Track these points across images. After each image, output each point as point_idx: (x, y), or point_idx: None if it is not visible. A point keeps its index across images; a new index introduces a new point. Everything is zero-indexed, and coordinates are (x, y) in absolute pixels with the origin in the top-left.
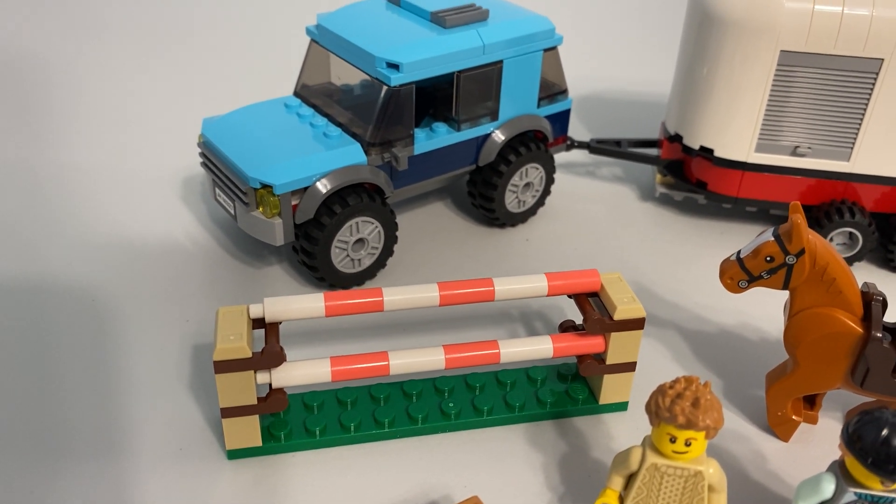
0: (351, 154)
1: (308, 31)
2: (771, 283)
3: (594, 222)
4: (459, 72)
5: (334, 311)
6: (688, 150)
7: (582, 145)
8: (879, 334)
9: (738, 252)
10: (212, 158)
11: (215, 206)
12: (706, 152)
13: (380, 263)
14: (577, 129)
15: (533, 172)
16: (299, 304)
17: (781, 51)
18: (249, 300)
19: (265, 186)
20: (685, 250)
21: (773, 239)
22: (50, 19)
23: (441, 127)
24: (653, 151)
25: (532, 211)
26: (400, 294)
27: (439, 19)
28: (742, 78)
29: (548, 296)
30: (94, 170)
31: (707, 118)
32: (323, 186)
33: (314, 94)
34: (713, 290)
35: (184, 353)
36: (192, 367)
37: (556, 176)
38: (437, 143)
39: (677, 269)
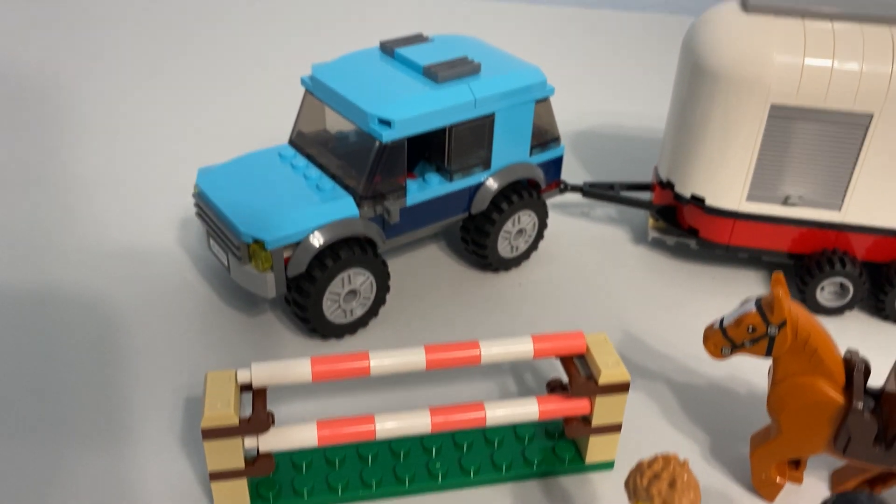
0: (343, 208)
1: (303, 82)
2: (754, 352)
3: (586, 266)
4: (452, 125)
5: (321, 376)
6: (679, 197)
7: (575, 189)
8: (861, 405)
9: (721, 320)
10: (206, 210)
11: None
12: (697, 200)
13: (372, 312)
14: (571, 168)
15: (526, 219)
16: (286, 370)
17: (772, 104)
18: (242, 350)
19: (257, 241)
20: (676, 296)
21: (755, 310)
22: (59, 38)
23: (433, 177)
24: (646, 195)
25: (525, 255)
26: (387, 359)
27: (431, 74)
28: (733, 129)
29: (534, 358)
30: (92, 209)
31: (698, 167)
32: (315, 241)
33: (308, 144)
34: (696, 329)
35: (176, 407)
36: (184, 422)
37: (550, 218)
38: (429, 193)
39: (667, 315)
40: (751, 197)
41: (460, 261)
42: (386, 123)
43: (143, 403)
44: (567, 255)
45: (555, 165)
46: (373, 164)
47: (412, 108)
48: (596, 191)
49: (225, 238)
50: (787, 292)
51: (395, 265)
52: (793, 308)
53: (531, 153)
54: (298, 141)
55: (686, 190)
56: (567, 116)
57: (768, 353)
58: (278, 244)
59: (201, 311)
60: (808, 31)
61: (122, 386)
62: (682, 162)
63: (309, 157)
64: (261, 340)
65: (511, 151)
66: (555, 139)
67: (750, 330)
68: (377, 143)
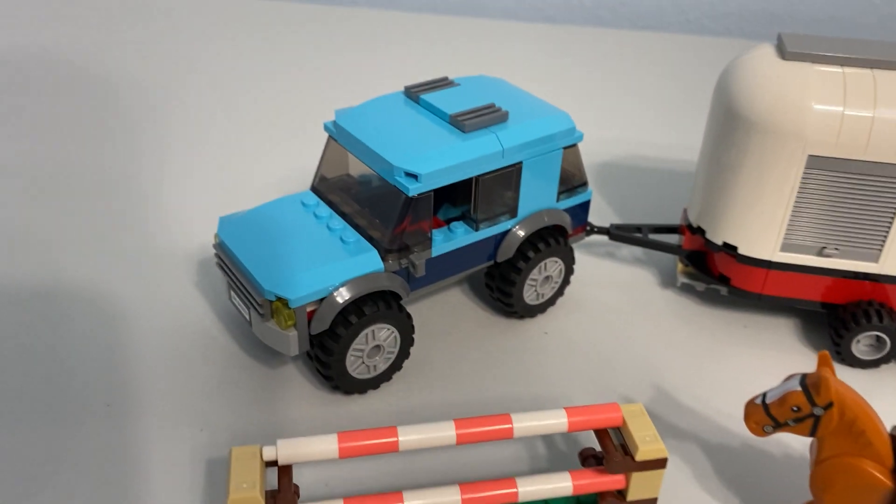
0: (368, 262)
1: (326, 128)
2: (797, 431)
3: (613, 312)
4: (479, 176)
5: (348, 452)
6: (711, 244)
7: (601, 231)
8: None
9: (764, 396)
10: (227, 261)
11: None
12: (730, 249)
13: (395, 367)
14: (597, 205)
15: (552, 266)
16: (312, 447)
17: (809, 155)
18: (263, 404)
19: (280, 298)
20: (706, 345)
21: (800, 389)
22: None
23: (459, 227)
24: (674, 237)
25: (551, 302)
26: (415, 434)
27: (458, 123)
28: (767, 178)
29: (568, 432)
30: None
31: (731, 215)
32: (340, 297)
33: (331, 190)
34: (735, 395)
35: (196, 468)
36: (205, 484)
37: (576, 260)
38: (454, 244)
39: (698, 367)
40: (785, 247)
41: (484, 306)
42: (412, 177)
43: (162, 465)
44: (593, 300)
45: (582, 210)
46: (399, 218)
47: (439, 161)
48: (623, 234)
49: (246, 292)
50: (834, 372)
51: (418, 311)
52: (839, 388)
53: (558, 199)
54: (321, 187)
55: (718, 237)
56: (593, 147)
57: (812, 433)
58: (302, 302)
59: (222, 361)
60: (848, 80)
61: (140, 441)
62: (713, 208)
63: (331, 205)
64: (282, 394)
65: (538, 198)
66: (582, 184)
67: (794, 409)
68: (403, 197)
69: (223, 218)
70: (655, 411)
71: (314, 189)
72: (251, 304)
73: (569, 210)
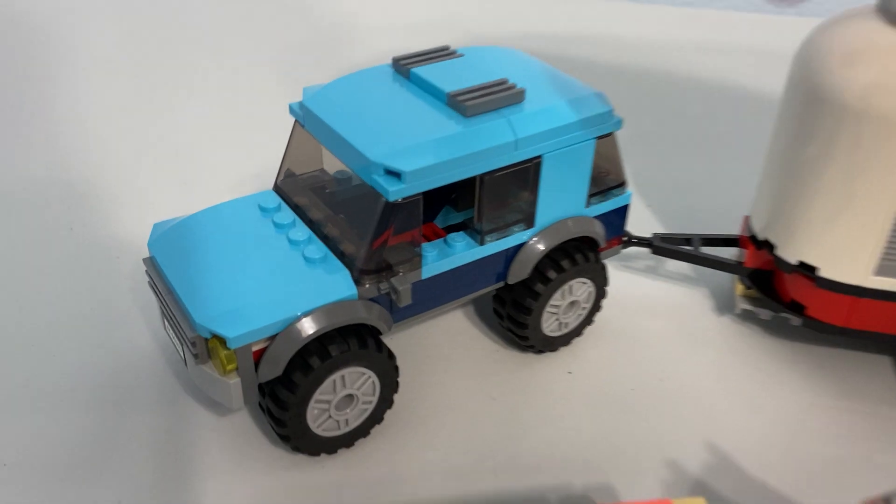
0: (336, 287)
1: (291, 111)
2: None
3: (655, 345)
4: (484, 174)
5: None
6: (781, 262)
7: (642, 242)
8: None
9: (888, 500)
10: (157, 282)
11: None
12: (807, 269)
13: (375, 419)
14: (637, 212)
15: (579, 289)
16: None
17: None
18: (203, 464)
19: (217, 336)
20: (774, 393)
21: None
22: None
23: (459, 240)
24: (732, 250)
25: (577, 332)
26: None
27: (458, 104)
28: (863, 180)
29: None
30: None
31: (810, 228)
32: (295, 336)
33: (297, 190)
34: (820, 471)
35: None
36: None
37: (610, 278)
38: (452, 262)
39: (766, 425)
40: (882, 270)
41: (491, 333)
42: (394, 175)
43: None
44: (630, 329)
45: (618, 217)
46: (377, 229)
47: (430, 155)
48: (669, 246)
49: (177, 325)
50: None
51: (405, 340)
52: None
53: (588, 203)
54: (286, 186)
55: (791, 255)
56: (631, 136)
57: None
58: (245, 341)
59: (154, 406)
60: None
61: None
62: (786, 218)
63: (297, 209)
64: (229, 452)
65: (562, 203)
66: (619, 184)
67: None
68: (382, 202)
69: (157, 225)
70: (714, 487)
71: (277, 188)
72: (183, 340)
73: (601, 217)
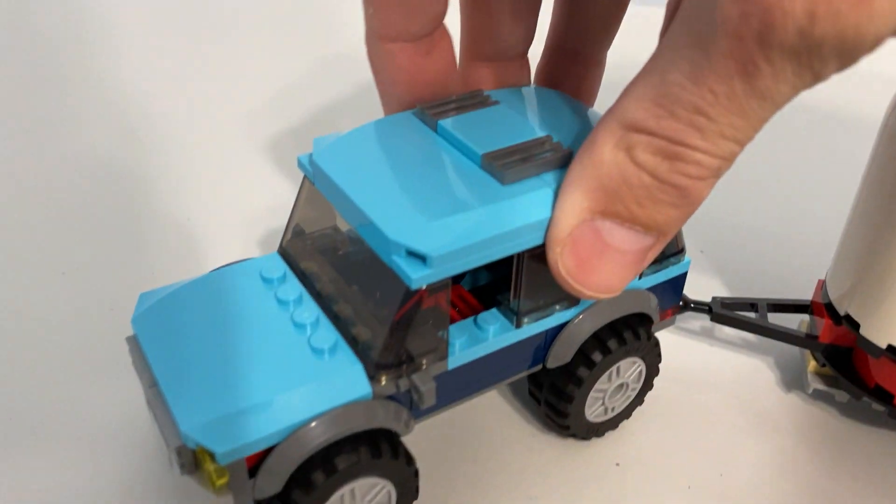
0: (347, 386)
1: (300, 165)
2: None
3: (714, 428)
4: (522, 253)
5: None
6: (867, 343)
7: (700, 307)
8: None
9: None
10: (139, 368)
11: None
12: None
13: None
14: (695, 273)
15: (628, 369)
16: None
17: None
18: None
19: (204, 448)
20: (857, 490)
21: None
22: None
23: (491, 322)
24: (803, 316)
25: (625, 415)
26: None
27: (494, 169)
28: None
29: None
30: None
31: None
32: (296, 448)
33: (306, 254)
34: None
35: None
36: None
37: (663, 342)
38: (483, 348)
39: None
40: None
41: (526, 412)
42: (419, 258)
43: None
44: (685, 407)
45: (674, 286)
46: (396, 318)
47: (461, 233)
48: (730, 314)
49: (161, 426)
50: None
51: (425, 423)
52: None
53: (641, 275)
54: (293, 249)
55: (880, 337)
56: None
57: None
58: (237, 456)
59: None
60: None
61: None
62: (875, 294)
63: (304, 278)
64: None
65: None
66: (677, 252)
67: None
68: (403, 288)
69: (144, 296)
70: None
71: (283, 251)
72: (168, 444)
73: (655, 288)
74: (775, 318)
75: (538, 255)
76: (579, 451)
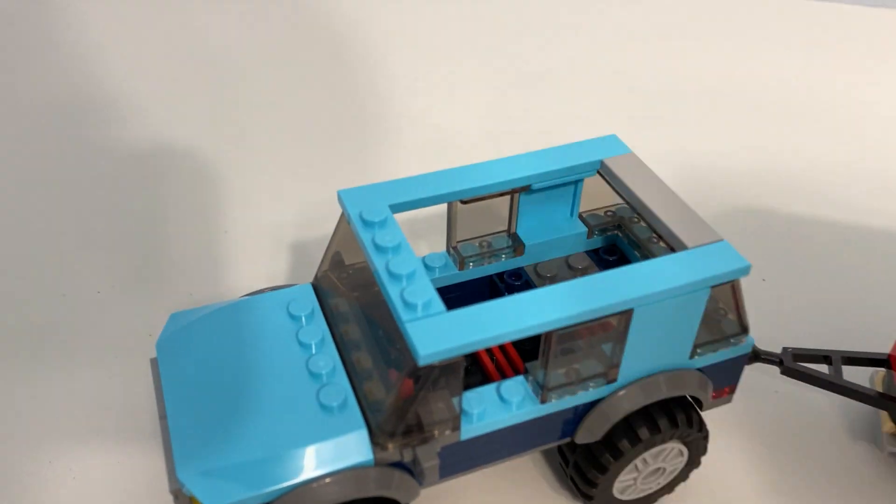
0: (348, 451)
1: (340, 199)
2: None
3: (777, 487)
4: (552, 331)
5: None
6: None
7: (769, 359)
8: None
9: None
10: (157, 395)
11: None
12: None
13: None
14: (764, 317)
15: (670, 453)
16: None
17: None
18: None
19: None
20: None
21: None
22: None
23: (515, 393)
24: (878, 369)
25: (652, 499)
26: None
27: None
28: None
29: None
30: None
31: None
32: None
33: (337, 290)
34: None
35: None
36: None
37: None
38: (503, 421)
39: None
40: None
41: (547, 471)
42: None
43: None
44: (749, 464)
45: (732, 367)
46: (401, 391)
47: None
48: (803, 368)
49: (166, 460)
50: None
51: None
52: None
53: (694, 354)
54: (325, 283)
55: None
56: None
57: None
58: None
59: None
60: None
61: None
62: None
63: (331, 318)
64: None
65: (657, 356)
66: (738, 333)
67: None
68: (412, 364)
69: (175, 317)
70: None
71: (316, 283)
72: (170, 478)
73: (710, 369)
74: (851, 381)
75: (571, 334)
76: None
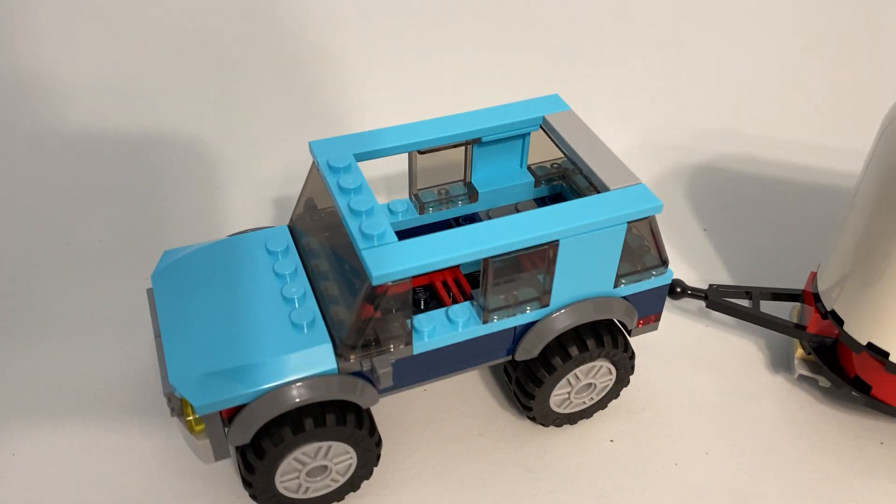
0: (315, 360)
1: (311, 149)
2: None
3: (702, 409)
4: (488, 259)
5: None
6: (849, 339)
7: (696, 294)
8: None
9: None
10: (153, 319)
11: None
12: (878, 353)
13: (350, 486)
14: (692, 249)
15: (599, 370)
16: None
17: None
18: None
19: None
20: (830, 469)
21: None
22: None
23: (461, 313)
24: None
25: (586, 414)
26: None
27: None
28: None
29: None
30: None
31: (885, 312)
32: (265, 408)
33: (309, 229)
34: None
35: None
36: None
37: (661, 320)
38: (450, 339)
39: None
40: None
41: (497, 390)
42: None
43: None
44: (678, 387)
45: (654, 296)
46: (361, 308)
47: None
48: (726, 302)
49: (161, 372)
50: None
51: (421, 392)
52: None
53: (618, 284)
54: (300, 223)
55: (861, 336)
56: (684, 141)
57: None
58: (211, 409)
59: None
60: None
61: None
62: (858, 296)
63: (304, 255)
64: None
65: (585, 283)
66: (658, 265)
67: None
68: (367, 284)
69: (168, 253)
70: None
71: (291, 225)
72: (162, 390)
73: (633, 298)
74: (767, 313)
75: (506, 262)
76: (576, 427)
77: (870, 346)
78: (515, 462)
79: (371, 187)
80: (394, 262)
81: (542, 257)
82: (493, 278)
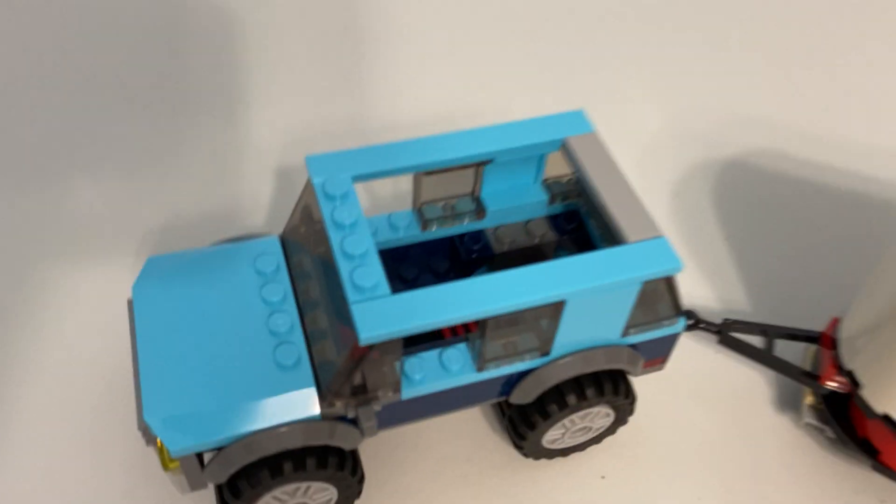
0: (297, 405)
1: (308, 166)
2: None
3: (700, 447)
4: (486, 319)
5: None
6: (864, 404)
7: (708, 328)
8: None
9: None
10: (131, 336)
11: None
12: (893, 424)
13: None
14: (709, 289)
15: (598, 416)
16: None
17: None
18: None
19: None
20: None
21: None
22: None
23: (455, 360)
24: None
25: (581, 448)
26: None
27: None
28: None
29: None
30: None
31: None
32: (242, 454)
33: (301, 248)
34: None
35: None
36: None
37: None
38: (442, 384)
39: None
40: None
41: (489, 413)
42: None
43: None
44: (678, 422)
45: (664, 343)
46: (347, 363)
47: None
48: (738, 341)
49: (136, 398)
50: None
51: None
52: None
53: (626, 333)
54: (293, 236)
55: (879, 404)
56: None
57: None
58: (187, 452)
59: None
60: None
61: None
62: (881, 362)
63: (294, 276)
64: None
65: (590, 334)
66: (671, 316)
67: None
68: (355, 342)
69: (152, 261)
70: None
71: (284, 238)
72: (137, 421)
73: (641, 346)
74: (781, 357)
75: (504, 321)
76: (568, 459)
77: (886, 417)
78: (503, 493)
79: (372, 187)
80: (384, 321)
81: (546, 310)
82: (491, 332)
